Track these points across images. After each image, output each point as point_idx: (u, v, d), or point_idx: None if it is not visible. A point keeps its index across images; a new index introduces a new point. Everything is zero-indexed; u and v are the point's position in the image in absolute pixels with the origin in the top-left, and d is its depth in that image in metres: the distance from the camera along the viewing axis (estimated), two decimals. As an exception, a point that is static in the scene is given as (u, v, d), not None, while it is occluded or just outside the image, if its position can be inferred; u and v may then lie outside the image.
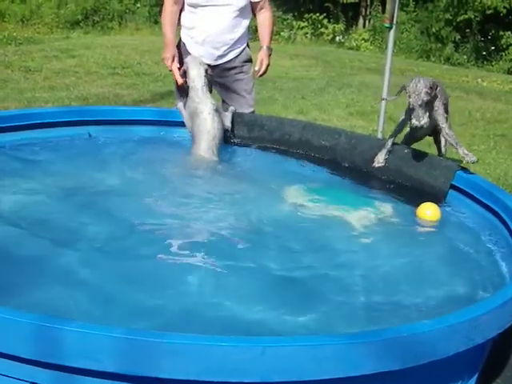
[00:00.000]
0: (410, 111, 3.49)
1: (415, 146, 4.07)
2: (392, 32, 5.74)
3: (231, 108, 4.38)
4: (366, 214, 3.36)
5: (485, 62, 15.53)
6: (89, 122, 4.30)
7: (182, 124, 4.28)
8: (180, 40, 4.53)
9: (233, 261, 2.81)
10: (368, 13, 18.15)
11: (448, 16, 15.71)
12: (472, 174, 3.58)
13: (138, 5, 16.65)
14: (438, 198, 3.55)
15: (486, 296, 2.53)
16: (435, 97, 3.50)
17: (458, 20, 15.68)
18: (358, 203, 3.51)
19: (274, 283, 2.66)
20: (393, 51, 5.89)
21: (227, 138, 4.34)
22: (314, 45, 15.92)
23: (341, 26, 17.19)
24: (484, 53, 15.70)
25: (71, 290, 2.45)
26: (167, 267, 2.74)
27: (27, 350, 1.86)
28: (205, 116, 4.05)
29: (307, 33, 16.95)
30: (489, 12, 15.21)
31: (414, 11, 16.51)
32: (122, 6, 16.51)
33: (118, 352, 1.82)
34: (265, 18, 4.52)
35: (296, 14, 17.54)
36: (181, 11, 4.43)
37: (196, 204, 3.43)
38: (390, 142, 3.79)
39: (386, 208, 3.46)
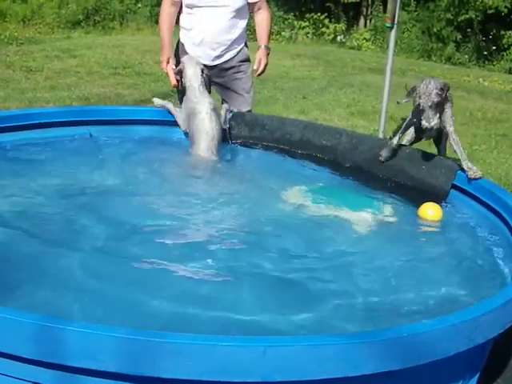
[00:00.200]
0: (419, 112, 3.46)
1: (416, 145, 4.07)
2: (393, 32, 5.74)
3: (225, 106, 4.39)
4: (367, 214, 3.36)
5: (486, 62, 15.52)
6: (90, 121, 4.31)
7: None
8: (179, 40, 4.56)
9: (232, 261, 2.82)
10: (369, 12, 18.13)
11: (449, 16, 15.69)
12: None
13: (139, 5, 16.65)
14: (439, 198, 3.55)
15: (486, 296, 2.52)
16: (445, 98, 3.48)
17: (459, 20, 15.66)
18: (359, 203, 3.51)
19: (273, 283, 2.66)
20: (394, 51, 5.89)
21: (228, 138, 4.35)
22: (315, 44, 15.90)
23: (342, 26, 17.17)
24: (485, 52, 15.68)
25: (72, 290, 2.46)
26: (167, 267, 2.73)
27: (29, 350, 1.86)
28: (203, 116, 4.06)
29: (308, 32, 16.93)
30: (490, 12, 15.18)
31: (415, 11, 16.50)
32: (123, 5, 16.50)
33: (120, 352, 1.82)
34: (262, 18, 4.53)
35: (297, 13, 17.52)
36: (179, 12, 4.45)
37: (196, 204, 3.43)
38: (395, 141, 3.76)
39: (387, 208, 3.46)
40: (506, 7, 14.96)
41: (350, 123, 7.19)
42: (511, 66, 15.23)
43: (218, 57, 4.46)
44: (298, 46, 14.95)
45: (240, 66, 4.54)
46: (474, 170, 3.47)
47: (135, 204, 3.37)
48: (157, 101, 4.46)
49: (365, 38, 16.74)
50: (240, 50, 4.52)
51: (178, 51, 4.54)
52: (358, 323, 2.40)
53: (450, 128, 3.57)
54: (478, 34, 15.86)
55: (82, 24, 15.67)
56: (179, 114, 4.28)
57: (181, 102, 4.41)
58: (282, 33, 16.55)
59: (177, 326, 2.23)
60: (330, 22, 17.16)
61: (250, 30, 4.62)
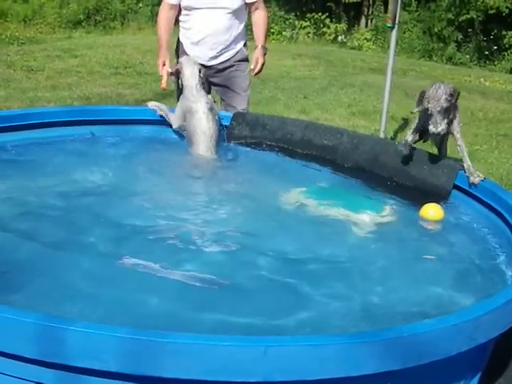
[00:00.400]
0: (427, 116, 3.45)
1: (417, 145, 4.07)
2: (394, 32, 5.74)
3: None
4: (368, 215, 3.35)
5: (487, 62, 15.51)
6: (91, 121, 4.31)
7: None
8: (178, 39, 4.60)
9: (231, 261, 2.82)
10: (370, 12, 18.12)
11: (450, 16, 15.68)
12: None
13: (140, 4, 16.66)
14: (440, 198, 3.54)
15: (488, 296, 2.52)
16: (454, 104, 3.46)
17: (460, 20, 15.64)
18: (360, 203, 3.50)
19: (273, 283, 2.66)
20: (395, 51, 5.90)
21: (230, 138, 4.36)
22: (316, 44, 15.91)
23: (343, 26, 17.16)
24: (486, 52, 15.67)
25: (72, 290, 2.46)
26: (168, 267, 2.73)
27: (32, 350, 1.86)
28: (200, 116, 4.06)
29: (309, 32, 16.93)
30: (491, 12, 15.17)
31: (416, 11, 16.49)
32: (124, 5, 16.52)
33: (122, 352, 1.82)
34: (259, 17, 4.57)
35: (298, 13, 17.52)
36: (179, 12, 4.47)
37: (196, 205, 3.44)
38: (410, 138, 3.68)
39: (388, 208, 3.46)
40: (507, 7, 14.95)
41: (351, 123, 7.19)
42: (512, 65, 15.22)
43: (216, 57, 4.51)
44: (299, 46, 14.96)
45: (238, 65, 4.58)
46: (474, 176, 3.46)
47: (136, 204, 3.36)
48: (151, 103, 4.46)
49: (366, 38, 16.73)
50: (238, 51, 4.56)
51: (178, 50, 4.60)
52: (359, 324, 2.40)
53: (457, 134, 3.56)
54: (479, 34, 15.84)
55: (83, 24, 15.69)
56: (172, 113, 4.28)
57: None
58: (283, 33, 16.56)
59: (176, 327, 2.22)
60: (331, 21, 17.15)
61: (251, 30, 4.66)
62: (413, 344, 1.99)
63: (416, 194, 3.63)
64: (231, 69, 4.56)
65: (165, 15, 4.43)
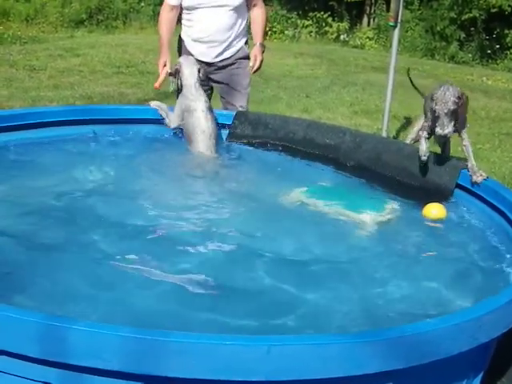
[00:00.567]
0: (435, 118, 3.44)
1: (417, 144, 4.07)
2: (396, 30, 5.74)
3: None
4: (371, 214, 3.35)
5: (490, 61, 15.45)
6: (93, 120, 4.31)
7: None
8: (179, 37, 4.62)
9: (233, 260, 2.82)
10: (372, 11, 18.08)
11: (453, 14, 15.64)
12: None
13: (143, 4, 16.64)
14: (443, 197, 3.54)
15: (490, 295, 2.52)
16: (461, 106, 3.44)
17: (462, 18, 15.60)
18: (362, 202, 3.50)
19: (275, 282, 2.66)
20: (397, 50, 5.89)
21: (232, 137, 4.36)
22: (318, 43, 15.88)
23: (345, 25, 17.12)
24: (489, 51, 15.62)
25: (73, 291, 2.46)
26: (168, 267, 2.74)
27: (35, 349, 1.86)
28: (198, 114, 4.08)
29: (311, 31, 16.89)
30: (493, 10, 15.13)
31: (419, 10, 16.44)
32: (127, 4, 16.50)
33: (125, 351, 1.82)
34: (257, 14, 4.59)
35: (300, 12, 17.48)
36: (180, 12, 4.49)
37: (198, 204, 3.45)
38: (424, 137, 3.67)
39: (391, 207, 3.46)
40: (509, 6, 14.91)
41: (354, 122, 7.19)
42: (515, 64, 15.19)
43: (218, 55, 4.53)
44: (301, 45, 14.94)
45: (239, 63, 4.60)
46: (477, 175, 3.45)
47: (137, 204, 3.36)
48: (153, 102, 4.46)
49: (368, 37, 16.70)
50: (240, 48, 4.58)
51: (180, 48, 4.62)
52: (361, 323, 2.40)
53: (464, 134, 3.55)
54: (482, 32, 15.80)
55: (86, 23, 15.68)
56: (170, 112, 4.29)
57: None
58: (285, 31, 16.52)
59: (175, 327, 2.22)
60: (333, 20, 17.11)
61: (249, 27, 4.68)
62: (415, 343, 1.99)
63: (419, 193, 3.63)
64: (232, 66, 4.58)
65: (166, 16, 4.44)
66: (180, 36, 4.62)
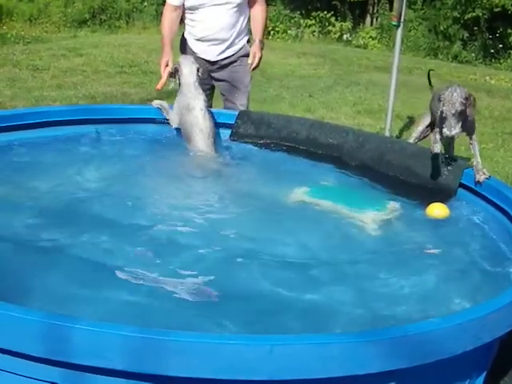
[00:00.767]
0: (442, 119, 3.42)
1: (422, 143, 4.06)
2: (399, 30, 5.73)
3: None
4: (373, 213, 3.35)
5: (493, 60, 15.43)
6: (96, 120, 4.32)
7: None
8: (182, 36, 4.64)
9: (233, 259, 2.81)
10: (375, 11, 18.06)
11: (456, 14, 15.62)
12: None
13: (145, 3, 16.66)
14: (446, 196, 3.53)
15: (493, 295, 2.51)
16: (469, 107, 3.41)
17: (465, 18, 15.59)
18: (365, 202, 3.50)
19: (275, 281, 2.66)
20: (400, 49, 5.89)
21: (235, 136, 4.37)
22: (321, 43, 15.88)
23: (348, 24, 17.12)
24: (492, 51, 15.60)
25: (73, 291, 2.46)
26: (169, 266, 2.74)
27: (38, 348, 1.86)
28: (197, 113, 4.08)
29: (314, 31, 16.89)
30: (496, 10, 15.12)
31: (422, 9, 16.43)
32: (129, 4, 16.53)
33: (126, 350, 1.82)
34: (258, 11, 4.60)
35: (303, 12, 17.48)
36: (183, 12, 4.51)
37: (200, 204, 3.45)
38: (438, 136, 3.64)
39: (394, 206, 3.46)
40: (512, 5, 14.91)
41: (357, 121, 7.18)
42: (518, 64, 15.17)
43: (221, 53, 4.56)
44: (304, 45, 14.93)
45: (241, 60, 4.61)
46: (480, 174, 3.45)
47: (139, 204, 3.35)
48: (156, 101, 4.47)
49: (371, 37, 16.69)
50: (242, 46, 4.60)
51: (183, 46, 4.64)
52: (363, 322, 2.40)
53: (473, 134, 3.54)
54: (485, 32, 15.78)
55: (89, 23, 15.71)
56: (171, 111, 4.29)
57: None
58: (288, 31, 16.52)
59: (178, 326, 2.22)
60: (337, 20, 17.11)
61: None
62: (418, 343, 1.99)
63: (422, 193, 3.62)
64: (234, 64, 4.61)
65: (169, 16, 4.45)
66: (183, 35, 4.64)
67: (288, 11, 17.46)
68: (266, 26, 4.72)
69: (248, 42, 4.64)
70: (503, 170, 5.68)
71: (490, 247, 3.09)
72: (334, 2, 17.54)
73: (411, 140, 4.06)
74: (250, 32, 4.68)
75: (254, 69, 4.59)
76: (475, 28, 15.86)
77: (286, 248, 2.96)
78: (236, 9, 4.42)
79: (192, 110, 4.09)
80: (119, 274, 2.60)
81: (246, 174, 4.01)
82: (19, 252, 2.72)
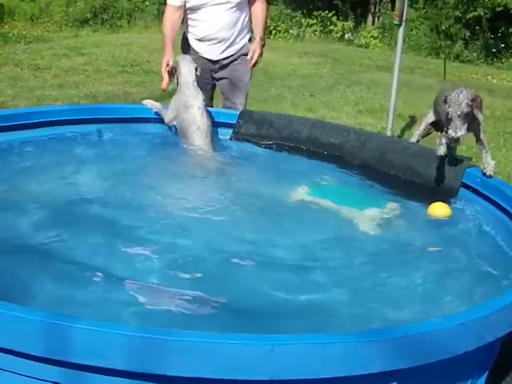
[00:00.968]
0: (447, 121, 3.39)
1: (424, 143, 4.06)
2: (401, 29, 5.72)
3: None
4: (375, 213, 3.35)
5: (494, 60, 15.41)
6: (98, 119, 4.32)
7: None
8: (183, 35, 4.65)
9: (234, 258, 2.81)
10: (377, 10, 18.06)
11: (457, 13, 15.60)
12: (481, 171, 3.55)
13: (147, 3, 16.67)
14: (448, 196, 3.53)
15: (495, 294, 2.51)
16: (476, 108, 3.39)
17: (467, 17, 15.56)
18: (367, 201, 3.50)
19: (276, 282, 2.66)
20: (402, 48, 5.88)
21: (237, 135, 4.37)
22: (322, 42, 15.87)
23: (350, 24, 17.11)
24: (494, 50, 15.58)
25: (73, 291, 2.46)
26: (171, 265, 2.73)
27: (38, 348, 1.86)
28: (195, 111, 4.10)
29: (316, 30, 16.88)
30: (498, 9, 15.10)
31: (424, 8, 16.41)
32: (131, 4, 16.53)
33: (127, 350, 1.82)
34: (258, 9, 4.62)
35: (305, 11, 17.47)
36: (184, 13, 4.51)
37: (201, 204, 3.45)
38: (443, 141, 3.63)
39: (395, 206, 3.46)
40: (514, 5, 14.88)
41: (358, 121, 7.18)
42: (520, 63, 15.15)
43: (223, 51, 4.57)
44: (306, 44, 14.94)
45: (242, 58, 4.62)
46: (490, 168, 3.45)
47: (140, 204, 3.33)
48: (145, 101, 4.47)
49: (373, 36, 16.67)
50: (244, 45, 4.61)
51: (184, 46, 4.65)
52: (364, 322, 2.40)
53: (481, 133, 3.52)
54: (487, 31, 15.76)
55: (90, 22, 15.72)
56: (165, 110, 4.31)
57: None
58: (290, 31, 16.51)
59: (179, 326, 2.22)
60: (338, 19, 17.10)
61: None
62: (420, 343, 1.99)
63: (423, 192, 3.62)
64: (235, 62, 4.63)
65: (170, 17, 4.44)
66: (184, 35, 4.65)
67: (289, 10, 17.45)
68: (266, 24, 4.74)
69: (249, 40, 4.66)
70: (505, 169, 5.67)
71: (492, 247, 3.09)
72: (335, 2, 17.54)
73: (413, 139, 4.06)
74: (251, 31, 4.69)
75: (253, 65, 4.60)
76: (477, 27, 15.83)
77: (286, 248, 2.96)
78: (236, 8, 4.44)
79: (190, 107, 4.10)
80: (119, 274, 2.60)
81: (248, 174, 4.01)
82: (20, 252, 2.72)
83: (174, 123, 4.24)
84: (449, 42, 15.76)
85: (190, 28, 4.56)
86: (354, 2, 17.42)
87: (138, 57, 10.36)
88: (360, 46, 16.07)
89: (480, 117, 3.40)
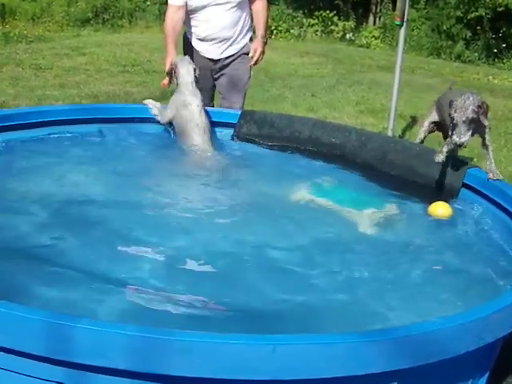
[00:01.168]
0: (452, 126, 3.38)
1: (426, 143, 4.06)
2: (403, 29, 5.72)
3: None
4: (376, 212, 3.35)
5: (496, 60, 15.40)
6: (99, 119, 4.32)
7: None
8: (184, 35, 4.66)
9: (235, 258, 2.83)
10: (378, 10, 18.05)
11: (459, 13, 15.59)
12: (483, 171, 3.56)
13: (148, 3, 16.66)
14: (449, 196, 3.53)
15: (496, 295, 2.51)
16: (482, 115, 3.37)
17: (468, 17, 15.56)
18: (368, 201, 3.50)
19: (276, 280, 2.66)
20: (403, 49, 5.87)
21: (238, 136, 4.38)
22: (324, 42, 15.86)
23: (351, 24, 17.09)
24: (495, 50, 15.56)
25: (73, 291, 2.46)
26: (173, 265, 2.74)
27: (40, 348, 1.86)
28: (193, 108, 4.12)
29: (317, 30, 16.86)
30: (500, 9, 15.10)
31: (425, 8, 16.39)
32: (132, 3, 16.52)
33: (129, 349, 1.82)
34: (259, 7, 4.63)
35: (306, 11, 17.46)
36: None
37: (202, 204, 3.46)
38: (445, 149, 3.55)
39: (397, 206, 3.46)
40: (515, 5, 14.87)
41: (359, 121, 7.17)
42: (521, 63, 15.14)
43: (224, 51, 4.58)
44: (307, 44, 14.92)
45: (242, 58, 4.63)
46: (494, 174, 3.44)
47: (141, 205, 3.34)
48: (147, 100, 4.47)
49: (374, 36, 16.66)
50: (245, 45, 4.62)
51: (185, 46, 4.66)
52: (364, 322, 2.40)
53: (487, 136, 3.52)
54: (488, 31, 15.75)
55: (91, 22, 15.70)
56: (164, 109, 4.31)
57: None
58: (291, 30, 16.50)
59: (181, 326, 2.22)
60: (339, 19, 17.08)
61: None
62: (421, 343, 1.99)
63: (425, 192, 3.62)
64: (236, 61, 4.64)
65: (172, 16, 4.44)
66: (185, 35, 4.65)
67: (291, 10, 17.44)
68: (267, 22, 4.75)
69: (250, 40, 4.66)
70: (506, 169, 5.66)
71: (493, 247, 3.09)
72: (336, 2, 17.53)
73: (418, 138, 4.07)
74: (252, 30, 4.69)
75: (255, 64, 4.60)
76: (478, 27, 15.82)
77: (286, 247, 2.97)
78: (237, 7, 4.46)
79: (188, 105, 4.13)
80: (118, 274, 2.61)
81: (249, 174, 4.01)
82: (19, 252, 2.72)
83: (173, 122, 4.24)
84: (450, 42, 15.75)
85: (191, 28, 4.57)
86: (355, 2, 17.41)
87: (139, 56, 10.36)
88: (361, 46, 16.06)
89: (486, 123, 3.38)
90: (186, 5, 4.39)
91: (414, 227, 3.35)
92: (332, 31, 16.85)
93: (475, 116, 3.31)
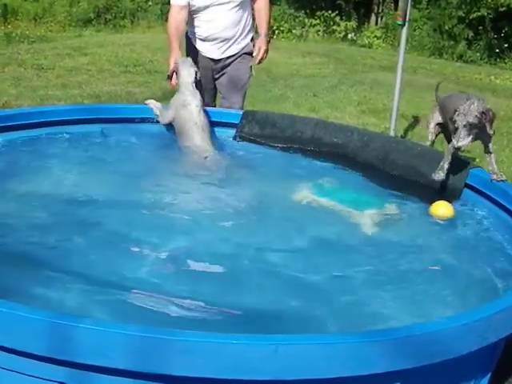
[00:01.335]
0: (454, 129, 3.36)
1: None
2: (404, 29, 5.72)
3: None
4: (378, 212, 3.35)
5: (498, 60, 15.40)
6: (101, 119, 4.33)
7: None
8: (186, 35, 4.66)
9: (236, 257, 2.82)
10: (380, 10, 18.04)
11: (461, 13, 15.59)
12: (486, 172, 3.55)
13: (150, 3, 16.67)
14: (452, 196, 3.53)
15: (498, 295, 2.51)
16: (488, 122, 3.33)
17: (470, 17, 15.56)
18: (370, 201, 3.50)
19: (277, 281, 2.66)
20: (405, 49, 5.87)
21: (240, 136, 4.38)
22: (325, 42, 15.86)
23: (353, 24, 17.09)
24: (497, 50, 15.56)
25: (73, 291, 2.45)
26: (173, 265, 2.73)
27: (42, 348, 1.86)
28: (192, 108, 4.13)
29: (319, 30, 16.86)
30: (502, 9, 15.10)
31: (427, 8, 16.40)
32: (134, 3, 16.54)
33: (130, 349, 1.82)
34: (261, 6, 4.64)
35: (308, 11, 17.47)
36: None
37: (203, 204, 3.45)
38: (446, 165, 3.55)
39: (398, 206, 3.45)
40: (517, 5, 14.87)
41: (361, 121, 7.17)
42: (523, 63, 15.13)
43: (225, 51, 4.59)
44: (309, 44, 14.93)
45: (243, 57, 4.64)
46: (498, 175, 3.43)
47: (141, 205, 3.33)
48: (149, 101, 4.48)
49: (376, 36, 16.66)
50: (246, 45, 4.63)
51: (186, 46, 4.67)
52: (365, 322, 2.40)
53: (490, 145, 3.49)
54: (490, 31, 15.74)
55: (93, 22, 15.73)
56: (164, 109, 4.33)
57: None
58: (293, 31, 16.50)
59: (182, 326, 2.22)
60: (341, 19, 17.09)
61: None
62: (424, 343, 1.99)
63: (427, 193, 3.61)
64: (236, 61, 4.64)
65: (175, 16, 4.43)
66: (186, 35, 4.66)
67: (292, 10, 17.44)
68: (269, 21, 4.75)
69: (252, 40, 4.66)
70: (508, 170, 5.65)
71: (495, 247, 3.08)
72: (338, 2, 17.52)
73: (428, 140, 4.08)
74: (254, 30, 4.69)
75: (259, 62, 4.60)
76: (480, 27, 15.82)
77: (286, 248, 2.97)
78: (239, 7, 4.46)
79: (188, 105, 4.14)
80: (118, 275, 2.60)
81: (250, 174, 4.01)
82: (19, 253, 2.72)
83: (173, 122, 4.24)
84: (452, 43, 15.75)
85: (192, 28, 4.57)
86: (357, 1, 17.41)
87: (141, 57, 10.37)
88: (363, 46, 16.06)
89: (490, 131, 3.36)
90: (189, 5, 4.39)
91: (415, 227, 3.35)
92: (334, 31, 16.85)
93: (477, 122, 3.29)
